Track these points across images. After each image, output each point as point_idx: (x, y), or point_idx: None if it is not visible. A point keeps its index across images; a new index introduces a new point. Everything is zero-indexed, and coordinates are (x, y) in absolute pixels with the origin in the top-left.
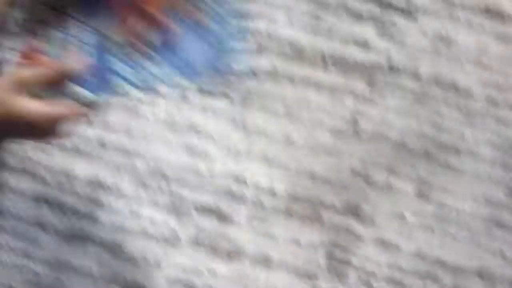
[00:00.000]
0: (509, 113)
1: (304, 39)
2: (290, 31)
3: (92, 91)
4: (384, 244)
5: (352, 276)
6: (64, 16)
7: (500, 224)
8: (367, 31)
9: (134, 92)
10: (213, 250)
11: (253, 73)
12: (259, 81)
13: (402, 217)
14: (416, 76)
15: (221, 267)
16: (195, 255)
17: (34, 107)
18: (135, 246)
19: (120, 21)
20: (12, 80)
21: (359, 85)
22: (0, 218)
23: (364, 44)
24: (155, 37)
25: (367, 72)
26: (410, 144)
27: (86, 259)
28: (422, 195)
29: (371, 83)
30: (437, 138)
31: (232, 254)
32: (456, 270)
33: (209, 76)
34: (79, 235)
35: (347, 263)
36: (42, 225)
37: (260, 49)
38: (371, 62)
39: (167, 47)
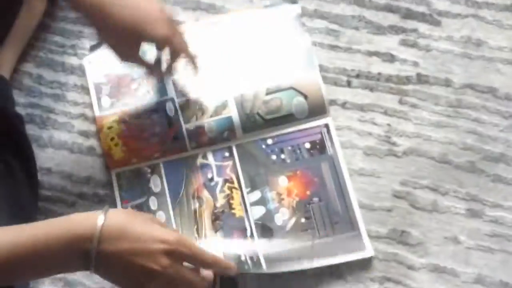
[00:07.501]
0: None
1: (324, 57)
2: None
3: None
4: (440, 271)
5: None
6: None
7: None
8: (389, 42)
9: None
10: None
11: None
12: None
13: (456, 240)
14: (448, 83)
15: None
16: None
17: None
18: None
19: None
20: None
21: (389, 100)
22: None
23: (388, 56)
24: None
25: (395, 85)
26: (453, 158)
27: None
28: (474, 214)
29: (401, 96)
30: (481, 149)
31: None
32: None
33: None
34: None
35: None
36: None
37: None
38: (398, 74)
39: None
